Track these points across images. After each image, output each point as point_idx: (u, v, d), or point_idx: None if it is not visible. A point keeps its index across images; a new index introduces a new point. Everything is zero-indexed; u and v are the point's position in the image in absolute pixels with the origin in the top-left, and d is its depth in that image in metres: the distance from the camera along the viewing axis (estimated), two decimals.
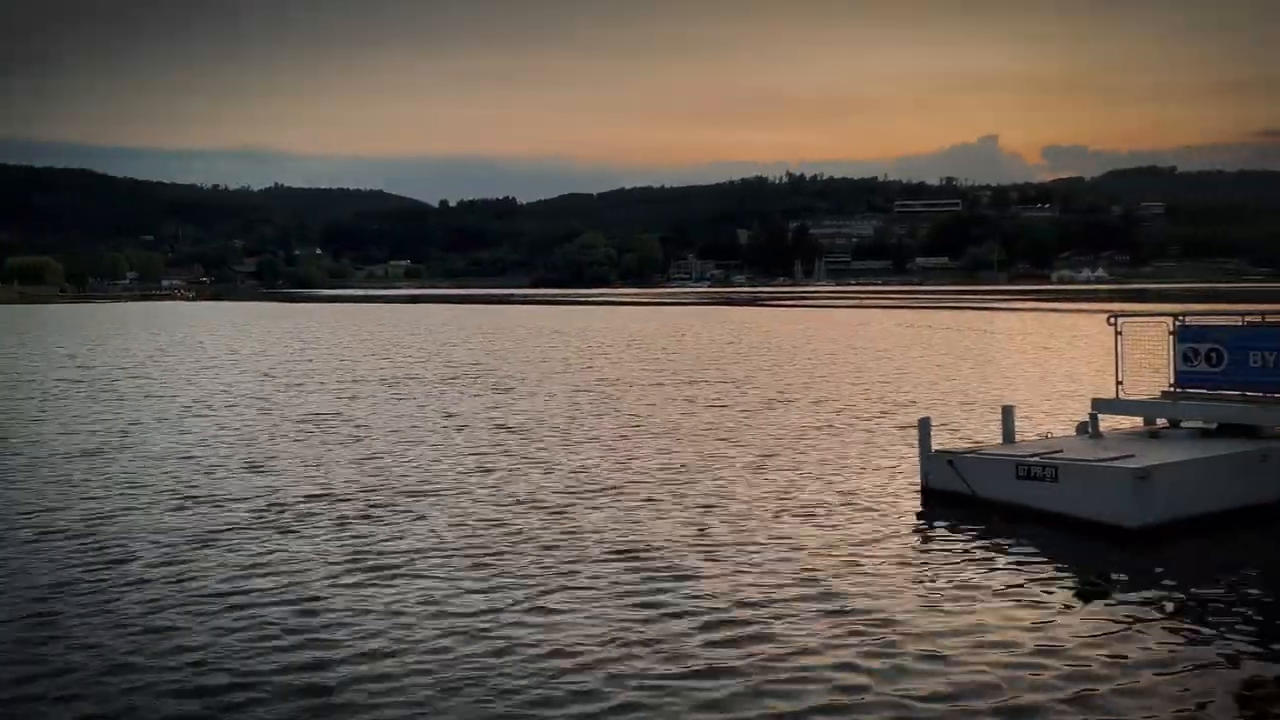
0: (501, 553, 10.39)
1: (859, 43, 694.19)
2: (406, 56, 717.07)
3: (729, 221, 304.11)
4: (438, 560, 10.14)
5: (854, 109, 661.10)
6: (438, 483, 14.09)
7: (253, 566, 9.96)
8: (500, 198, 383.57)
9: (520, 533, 11.19)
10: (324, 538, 11.07)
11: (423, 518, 11.98)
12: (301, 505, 12.68)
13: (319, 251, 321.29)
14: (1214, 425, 12.95)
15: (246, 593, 9.12)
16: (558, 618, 8.40)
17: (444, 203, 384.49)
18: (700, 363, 34.34)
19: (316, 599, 8.92)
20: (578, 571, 9.71)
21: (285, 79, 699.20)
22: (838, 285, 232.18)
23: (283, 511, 12.36)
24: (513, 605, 8.71)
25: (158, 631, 8.16)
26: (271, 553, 10.46)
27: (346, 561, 10.11)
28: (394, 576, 9.58)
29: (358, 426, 19.72)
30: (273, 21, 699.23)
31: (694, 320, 71.26)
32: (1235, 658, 7.42)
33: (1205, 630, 8.02)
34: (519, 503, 12.76)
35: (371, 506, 12.59)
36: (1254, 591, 9.05)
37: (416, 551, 10.47)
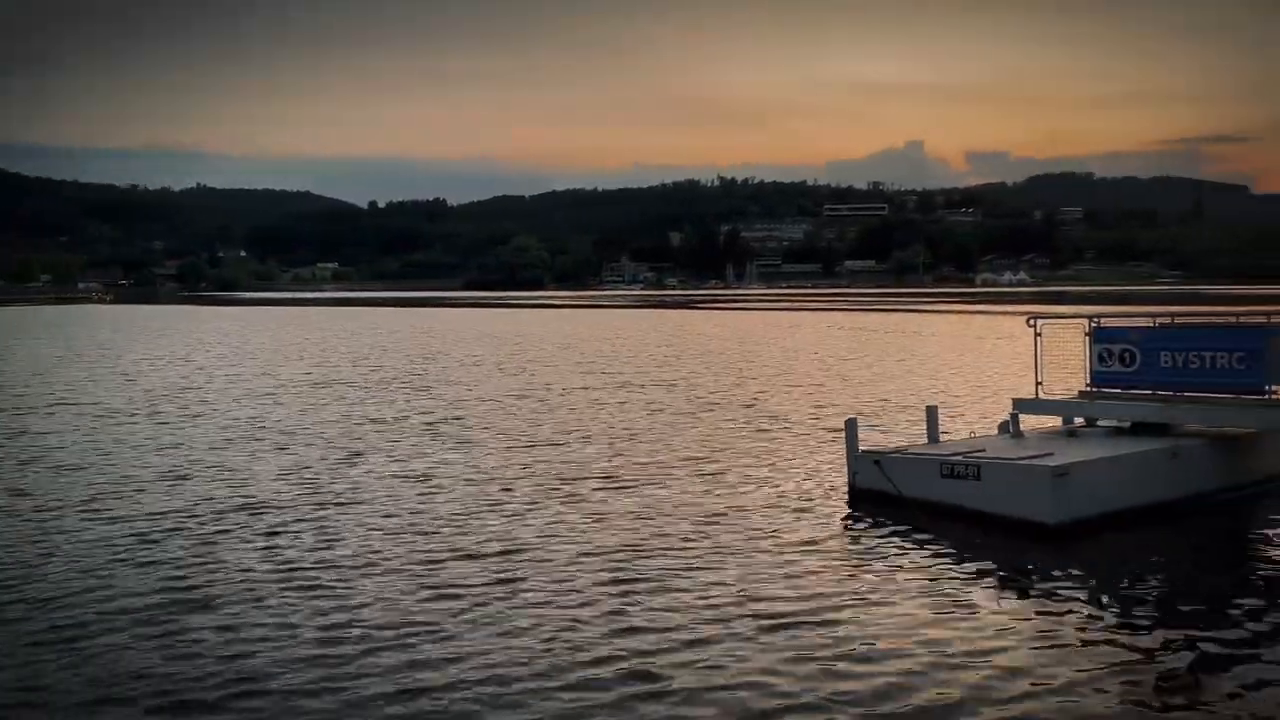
0: (424, 562, 10.28)
1: (789, 48, 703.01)
2: (334, 56, 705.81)
3: (661, 224, 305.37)
4: (361, 569, 9.99)
5: (784, 113, 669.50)
6: (367, 491, 13.87)
7: (172, 577, 9.69)
8: (431, 199, 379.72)
9: (442, 539, 11.08)
10: (244, 548, 10.82)
11: (341, 527, 11.78)
12: (226, 514, 12.37)
13: (244, 254, 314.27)
14: (1128, 424, 13.37)
15: (163, 606, 8.87)
16: (486, 626, 8.33)
17: (373, 204, 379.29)
18: (634, 366, 34.39)
19: (229, 609, 8.72)
20: (506, 581, 9.65)
21: (206, 77, 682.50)
22: (769, 288, 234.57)
23: (203, 523, 12.05)
24: (447, 615, 8.62)
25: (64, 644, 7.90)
26: (190, 563, 10.19)
27: (267, 571, 9.89)
28: (315, 586, 9.41)
29: (281, 433, 19.32)
30: (194, 17, 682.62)
31: (628, 323, 71.34)
32: (1149, 649, 7.66)
33: (1120, 623, 8.27)
34: (436, 518, 12.61)
35: (295, 519, 12.34)
36: (1165, 585, 9.37)
37: (329, 561, 10.30)
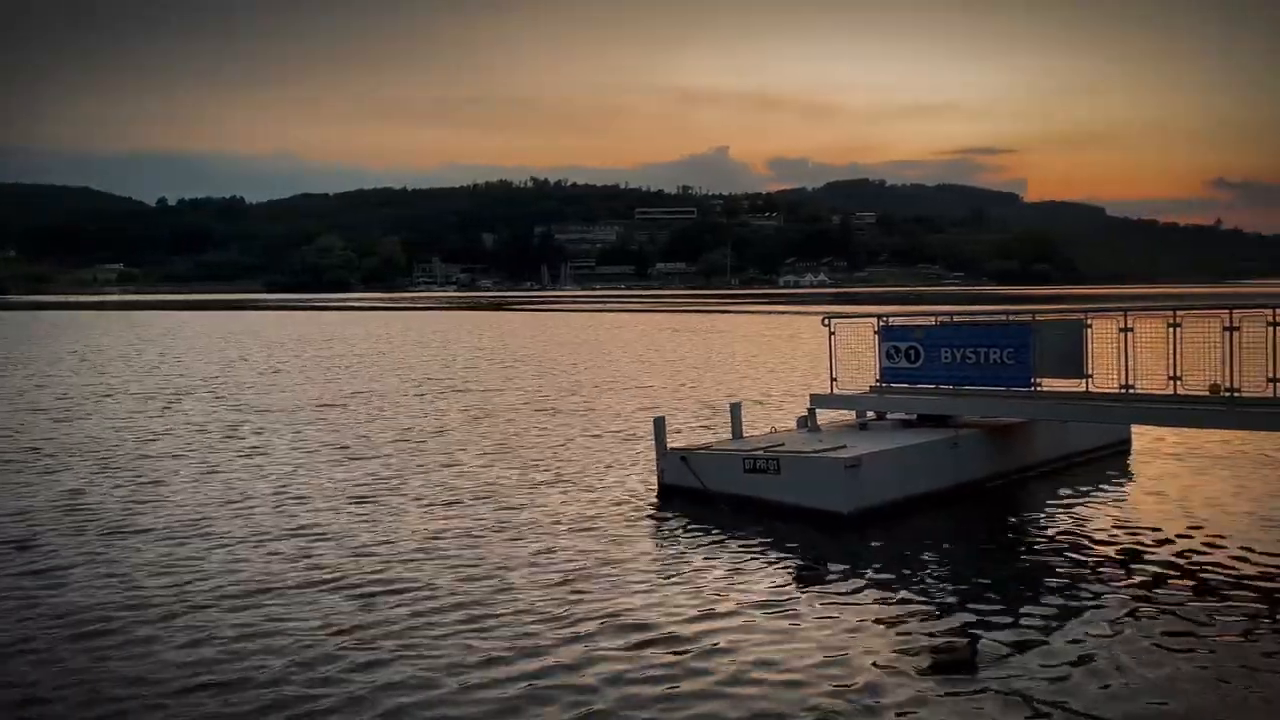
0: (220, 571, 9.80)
1: (601, 51, 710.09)
2: (116, 43, 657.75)
3: (474, 225, 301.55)
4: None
5: (596, 116, 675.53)
6: (173, 510, 13.06)
7: None
8: (227, 197, 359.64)
9: (237, 557, 10.59)
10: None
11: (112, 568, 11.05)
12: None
13: (13, 254, 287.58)
14: (914, 416, 14.29)
15: None
16: (273, 621, 8.03)
17: (162, 201, 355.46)
18: (449, 369, 33.86)
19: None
20: (298, 587, 9.32)
21: None
22: (583, 290, 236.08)
23: None
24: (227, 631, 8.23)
25: None
26: None
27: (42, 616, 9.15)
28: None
29: (51, 455, 17.89)
30: None
31: (443, 325, 70.09)
32: (930, 625, 8.23)
33: (905, 602, 8.85)
34: (233, 536, 12.05)
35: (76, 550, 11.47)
36: (946, 566, 10.08)
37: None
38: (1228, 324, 11.24)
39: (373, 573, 9.81)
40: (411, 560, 10.25)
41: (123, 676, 7.36)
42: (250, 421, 20.96)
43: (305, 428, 20.00)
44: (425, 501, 13.02)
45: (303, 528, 11.68)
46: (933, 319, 15.14)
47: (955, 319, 15.08)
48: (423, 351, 42.98)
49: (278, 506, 12.83)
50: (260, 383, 29.54)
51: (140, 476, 15.01)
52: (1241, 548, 10.32)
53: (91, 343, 51.57)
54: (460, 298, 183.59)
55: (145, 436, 19.05)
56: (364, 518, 12.16)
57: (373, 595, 9.13)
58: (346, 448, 17.45)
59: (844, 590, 9.18)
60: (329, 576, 9.72)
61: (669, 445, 13.64)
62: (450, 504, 12.87)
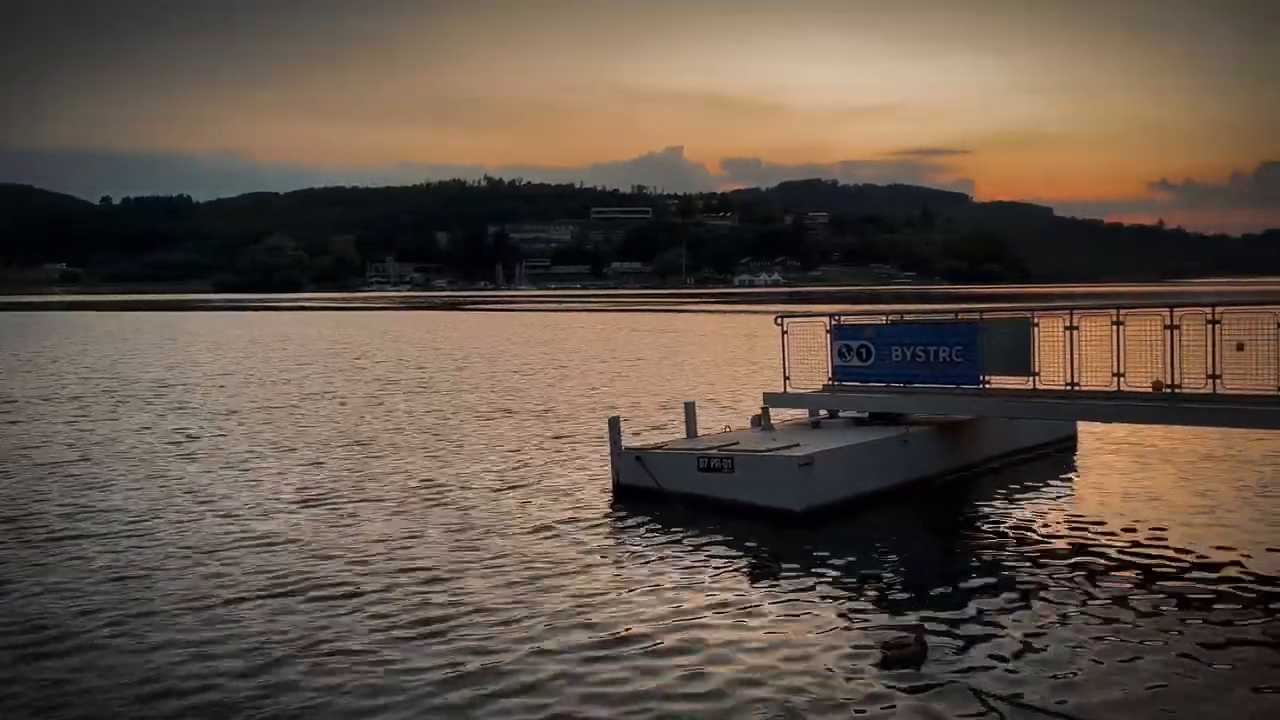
0: (153, 574, 9.63)
1: (553, 50, 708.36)
2: (55, 37, 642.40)
3: (427, 224, 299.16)
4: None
5: (551, 115, 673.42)
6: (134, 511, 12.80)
7: None
8: (174, 195, 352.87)
9: (190, 560, 10.43)
10: None
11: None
12: None
13: None
14: (866, 414, 14.44)
15: None
16: (217, 631, 7.91)
17: (106, 200, 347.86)
18: (403, 370, 33.58)
19: None
20: (250, 595, 9.20)
21: None
22: (539, 289, 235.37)
23: None
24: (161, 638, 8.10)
25: None
26: None
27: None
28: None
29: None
30: None
31: (397, 325, 69.46)
32: (881, 620, 8.33)
33: (858, 599, 8.95)
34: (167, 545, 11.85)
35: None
36: (897, 562, 10.21)
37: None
38: (1169, 322, 11.51)
39: (326, 579, 9.71)
40: (365, 564, 10.16)
41: (73, 688, 7.21)
42: (200, 425, 20.62)
43: (257, 431, 19.72)
44: (379, 505, 12.90)
45: (254, 533, 11.52)
46: (883, 318, 15.33)
47: (905, 318, 15.28)
48: (377, 352, 42.58)
49: (229, 512, 12.64)
50: (210, 385, 29.07)
51: (86, 482, 14.70)
52: (1184, 540, 10.57)
53: (35, 345, 50.36)
54: (414, 297, 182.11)
55: (91, 440, 18.66)
56: (317, 522, 12.02)
57: (326, 601, 9.03)
58: (299, 451, 17.24)
59: (797, 588, 9.25)
60: (282, 583, 9.60)
61: (624, 445, 13.65)
62: (404, 507, 12.77)
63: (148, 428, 20.18)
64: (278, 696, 6.96)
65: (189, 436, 18.98)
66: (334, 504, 12.94)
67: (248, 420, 21.19)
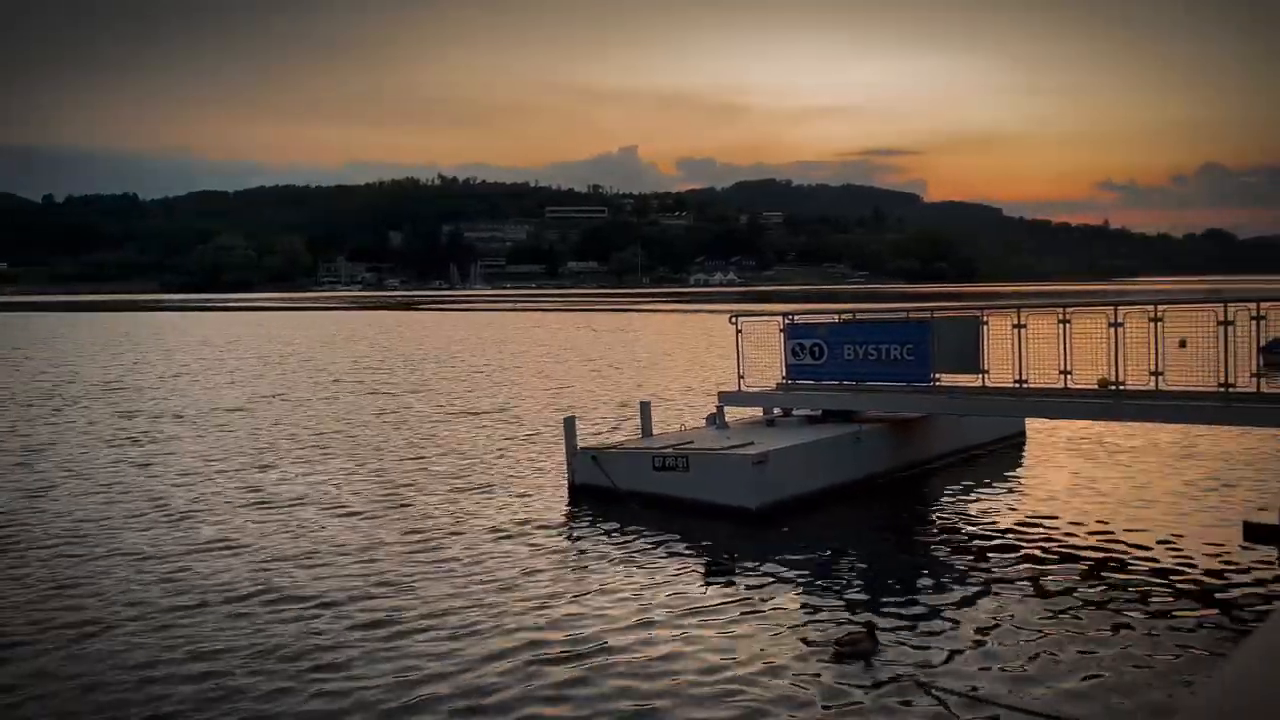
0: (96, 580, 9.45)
1: (507, 48, 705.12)
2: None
3: (380, 223, 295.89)
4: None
5: (504, 114, 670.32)
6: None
7: None
8: (119, 194, 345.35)
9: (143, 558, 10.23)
10: None
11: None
12: None
13: None
14: (819, 412, 14.56)
15: None
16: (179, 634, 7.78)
17: (49, 198, 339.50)
18: (357, 371, 33.23)
19: None
20: (210, 601, 9.06)
21: None
22: (494, 289, 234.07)
23: None
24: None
25: None
26: None
27: None
28: None
29: None
30: None
31: (350, 326, 68.69)
32: (835, 615, 8.41)
33: (811, 594, 9.03)
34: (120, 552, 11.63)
35: None
36: (850, 557, 10.32)
37: None
38: (1113, 320, 11.74)
39: (276, 585, 9.58)
40: (316, 569, 10.05)
41: (21, 696, 7.05)
42: (150, 428, 20.25)
43: (209, 434, 19.41)
44: (331, 508, 12.77)
45: (209, 540, 11.35)
46: (836, 317, 15.46)
47: (857, 317, 15.43)
48: (330, 353, 42.09)
49: (180, 518, 12.42)
50: (160, 387, 28.55)
51: (26, 488, 14.37)
52: (1129, 534, 10.80)
53: None
54: (367, 297, 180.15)
55: (33, 445, 18.24)
56: (270, 528, 11.87)
57: (276, 607, 8.92)
58: (249, 454, 17.00)
59: (753, 584, 9.31)
60: (234, 590, 9.46)
61: (579, 445, 13.64)
62: (358, 509, 12.65)
63: (97, 430, 19.76)
64: (224, 704, 6.86)
65: (136, 441, 18.61)
66: (286, 508, 12.78)
67: (201, 423, 20.84)
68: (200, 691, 7.06)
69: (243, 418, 21.49)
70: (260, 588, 9.38)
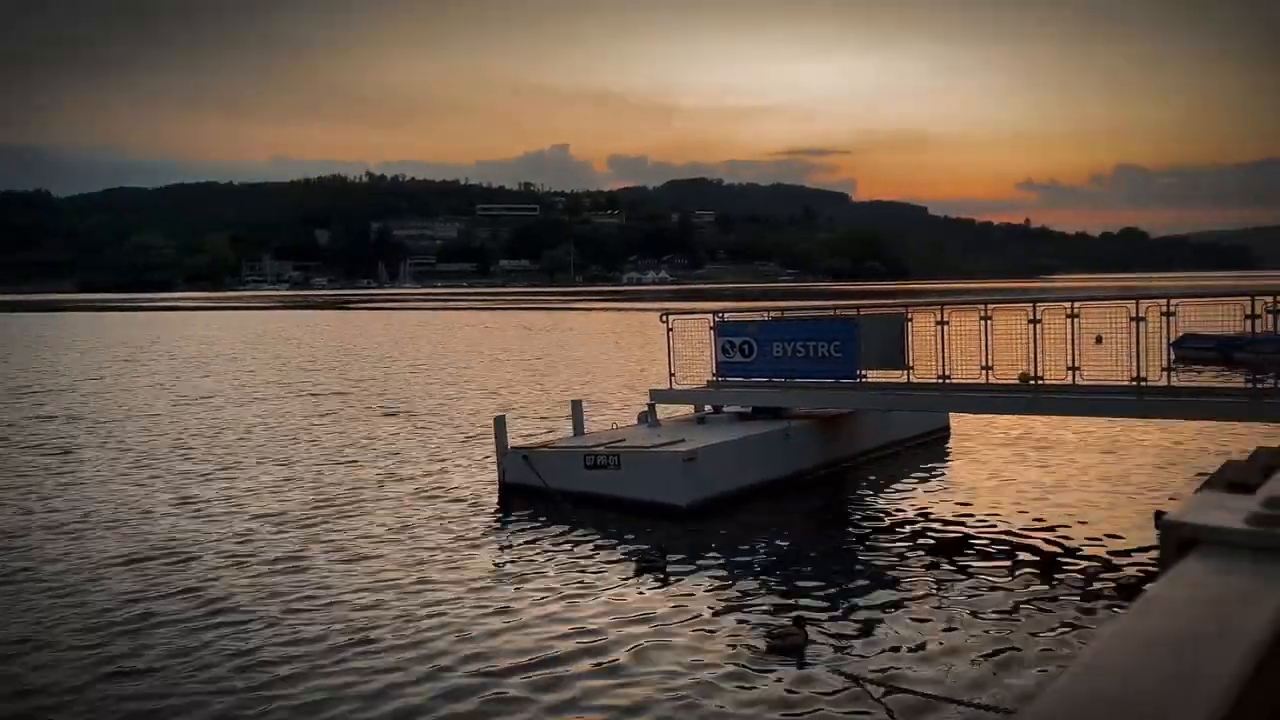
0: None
1: (437, 44, 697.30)
2: None
3: (306, 221, 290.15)
4: None
5: (433, 110, 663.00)
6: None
7: None
8: (31, 190, 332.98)
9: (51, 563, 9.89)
10: None
11: None
12: None
13: None
14: (749, 409, 14.68)
15: None
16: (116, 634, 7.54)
17: None
18: (284, 372, 32.56)
19: None
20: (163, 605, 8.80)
21: None
22: (424, 288, 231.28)
23: None
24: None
25: None
26: None
27: None
28: None
29: None
30: None
31: (277, 326, 67.27)
32: (767, 610, 8.50)
33: (742, 590, 9.11)
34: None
35: None
36: (780, 552, 10.43)
37: None
38: (1032, 317, 12.04)
39: (197, 592, 9.34)
40: (238, 580, 9.82)
41: None
42: (66, 432, 19.57)
43: (129, 438, 18.84)
44: (260, 516, 12.48)
45: (128, 552, 11.01)
46: (765, 315, 15.60)
47: (785, 315, 15.59)
48: (256, 353, 41.18)
49: (97, 526, 12.03)
50: (77, 390, 27.62)
51: None
52: (1048, 524, 11.10)
53: None
54: (294, 297, 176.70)
55: None
56: (191, 533, 11.56)
57: (201, 622, 8.68)
58: (174, 460, 16.54)
59: (683, 581, 9.34)
60: (144, 596, 9.20)
61: (510, 444, 13.55)
62: (286, 513, 12.39)
63: (9, 432, 19.04)
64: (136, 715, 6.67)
65: (62, 448, 17.99)
66: (209, 514, 12.47)
67: (121, 428, 20.22)
68: (98, 695, 6.84)
69: (166, 422, 20.90)
70: (173, 591, 9.13)
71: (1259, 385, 10.98)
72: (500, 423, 13.66)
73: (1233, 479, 6.16)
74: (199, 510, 12.55)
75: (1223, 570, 0.74)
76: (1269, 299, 10.72)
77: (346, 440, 17.90)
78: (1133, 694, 0.55)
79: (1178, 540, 0.81)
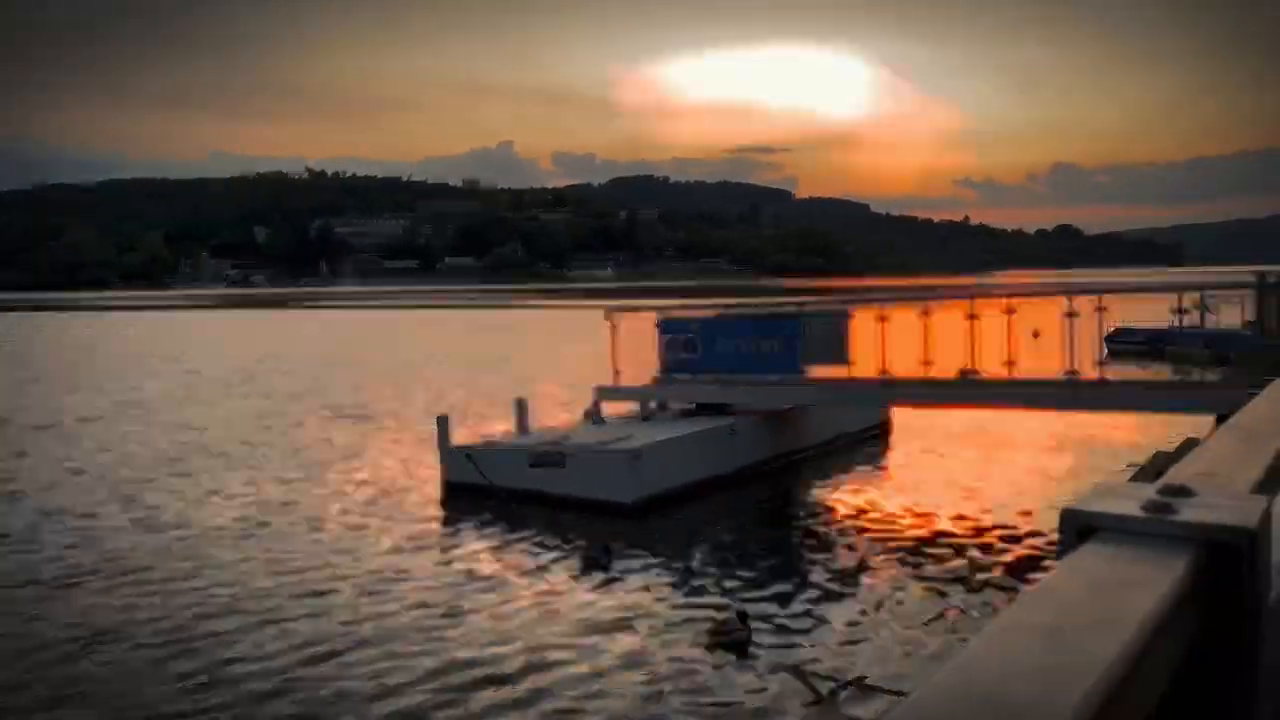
0: None
1: (379, 38, 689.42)
2: None
3: (245, 218, 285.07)
4: None
5: (375, 106, 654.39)
6: None
7: None
8: None
9: None
10: None
11: None
12: None
13: None
14: (694, 405, 14.75)
15: None
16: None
17: None
18: (223, 374, 31.96)
19: None
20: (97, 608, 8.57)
21: None
22: (367, 286, 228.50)
23: None
24: None
25: None
26: None
27: None
28: None
29: None
30: None
31: (214, 326, 66.01)
32: (710, 605, 8.53)
33: (688, 586, 9.16)
34: None
35: None
36: (725, 548, 10.52)
37: None
38: (970, 313, 12.28)
39: (134, 608, 9.13)
40: (175, 594, 9.62)
41: None
42: None
43: (57, 445, 18.34)
44: (201, 524, 12.23)
45: (68, 566, 10.72)
46: (710, 311, 15.71)
47: (729, 312, 15.71)
48: (194, 355, 40.35)
49: (24, 542, 11.70)
50: (4, 394, 26.81)
51: None
52: (989, 515, 11.33)
53: None
54: (232, 295, 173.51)
55: None
56: (129, 544, 11.29)
57: (142, 638, 8.49)
58: (111, 467, 16.14)
59: (630, 579, 9.36)
60: (88, 618, 8.97)
61: (454, 443, 13.45)
62: (221, 518, 12.16)
63: None
64: None
65: None
66: (152, 523, 12.18)
67: (49, 434, 19.67)
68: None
69: (102, 428, 20.38)
70: (111, 609, 8.92)
71: (1186, 378, 11.32)
72: (442, 422, 13.56)
73: (1161, 469, 6.35)
74: (133, 516, 12.26)
75: (1115, 557, 0.73)
76: (1197, 295, 11.05)
77: (285, 443, 17.62)
78: (1009, 685, 0.54)
79: (1076, 528, 0.81)
